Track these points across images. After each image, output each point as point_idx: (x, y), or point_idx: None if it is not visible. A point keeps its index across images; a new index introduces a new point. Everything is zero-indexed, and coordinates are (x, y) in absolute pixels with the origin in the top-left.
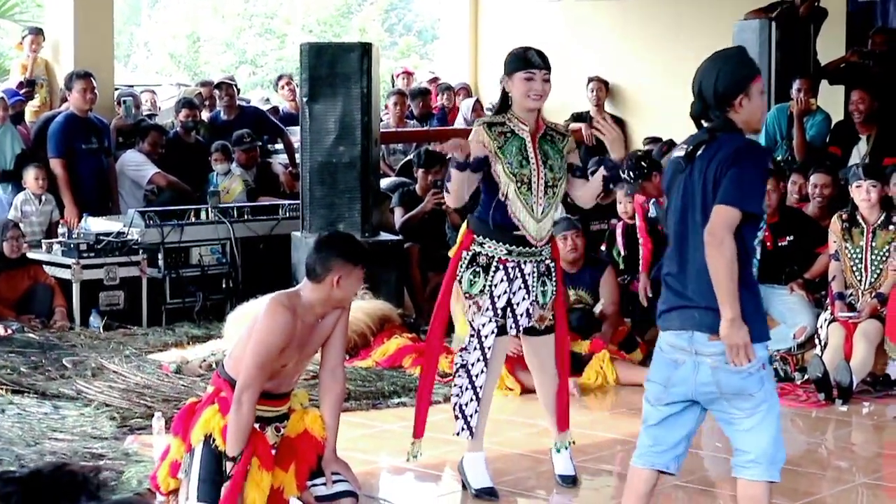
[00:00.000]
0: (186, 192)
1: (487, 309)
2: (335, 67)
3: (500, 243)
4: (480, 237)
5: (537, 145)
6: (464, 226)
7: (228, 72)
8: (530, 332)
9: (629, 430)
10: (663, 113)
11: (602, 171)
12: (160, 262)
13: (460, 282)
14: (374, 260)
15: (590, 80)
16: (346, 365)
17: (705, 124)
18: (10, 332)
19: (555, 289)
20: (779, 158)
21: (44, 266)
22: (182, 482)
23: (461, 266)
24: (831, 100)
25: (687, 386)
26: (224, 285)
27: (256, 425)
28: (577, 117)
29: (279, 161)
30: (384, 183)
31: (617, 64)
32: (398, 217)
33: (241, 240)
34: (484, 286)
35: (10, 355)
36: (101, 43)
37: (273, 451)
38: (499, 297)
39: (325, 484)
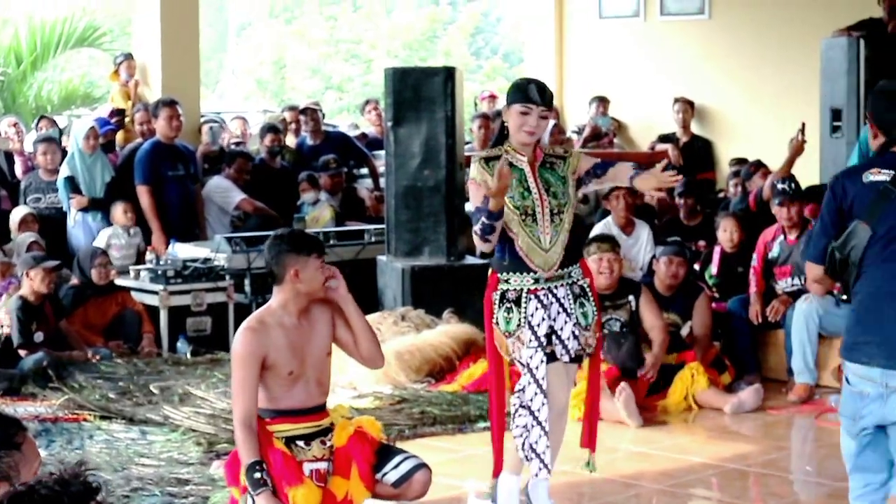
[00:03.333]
0: (273, 218)
1: (531, 340)
2: (419, 92)
3: (525, 274)
4: (504, 274)
5: (537, 174)
6: (489, 271)
7: (315, 97)
8: (578, 359)
9: (720, 455)
10: (749, 133)
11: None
12: (247, 288)
13: (497, 324)
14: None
15: (675, 100)
16: (430, 390)
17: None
18: (96, 358)
19: (595, 309)
20: None
21: (132, 292)
22: None
23: (494, 308)
24: None
25: (874, 416)
26: None
27: (301, 443)
28: (664, 138)
29: (364, 186)
30: (469, 207)
31: (702, 84)
32: None
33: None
34: (520, 319)
35: (99, 381)
36: (188, 69)
37: (328, 465)
38: (538, 325)
39: (394, 468)
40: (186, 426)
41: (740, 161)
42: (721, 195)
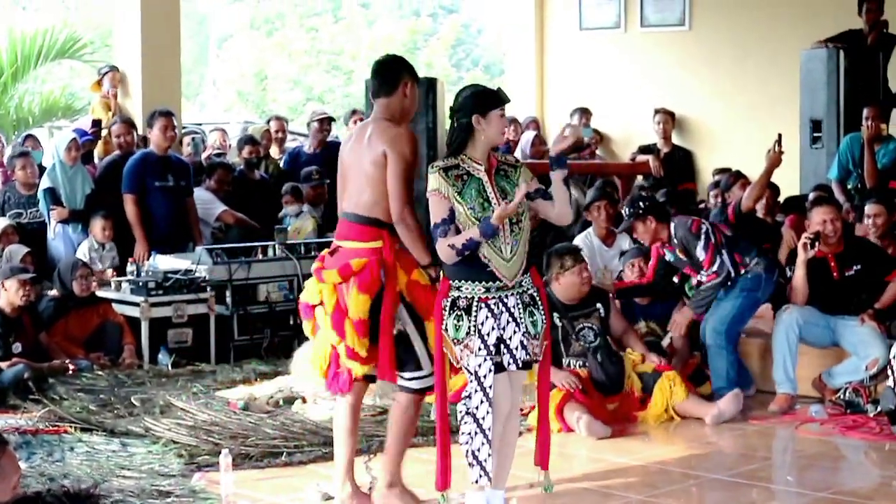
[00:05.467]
0: (254, 229)
1: (480, 349)
2: None
3: (477, 283)
4: (456, 281)
5: (494, 183)
6: (440, 277)
7: (296, 109)
8: (527, 366)
9: (700, 465)
10: (731, 143)
11: (553, 174)
12: (228, 300)
13: (446, 330)
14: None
15: (656, 111)
16: None
17: None
18: (74, 368)
19: (544, 318)
20: (850, 187)
21: (113, 304)
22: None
23: (444, 314)
24: None
25: None
26: (292, 322)
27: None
28: (645, 149)
29: None
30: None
31: (683, 95)
32: None
33: (308, 276)
34: (469, 328)
35: (80, 393)
36: (169, 81)
37: None
38: (488, 334)
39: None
40: (168, 438)
41: (723, 171)
42: (702, 206)
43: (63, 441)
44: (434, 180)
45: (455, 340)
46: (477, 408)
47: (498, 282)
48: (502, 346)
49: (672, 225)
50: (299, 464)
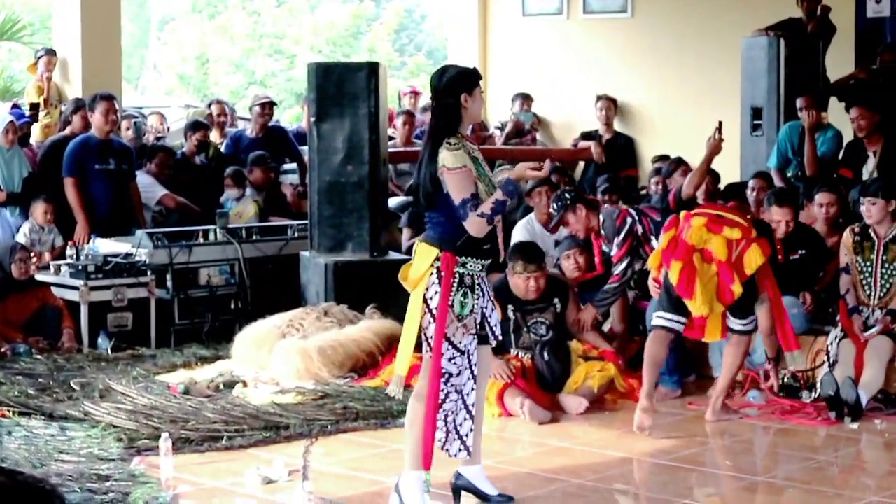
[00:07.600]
0: (195, 213)
1: (474, 328)
2: (343, 87)
3: (478, 259)
4: (462, 257)
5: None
6: (428, 248)
7: (238, 92)
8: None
9: (640, 449)
10: (672, 130)
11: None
12: (169, 284)
13: (452, 306)
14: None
15: (598, 98)
16: (353, 385)
17: None
18: (8, 352)
19: None
20: (789, 175)
21: (52, 288)
22: None
23: (452, 291)
24: (843, 117)
25: None
26: (233, 306)
27: None
28: (587, 135)
29: (288, 181)
30: (392, 203)
31: (625, 82)
32: (406, 237)
33: (249, 260)
34: (473, 306)
35: (18, 377)
36: (109, 64)
37: None
38: (479, 312)
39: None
40: (107, 422)
41: (663, 157)
42: (643, 192)
43: (1, 425)
44: (460, 157)
45: (458, 317)
46: (464, 384)
47: (486, 261)
48: (485, 322)
49: (601, 215)
50: (240, 448)
